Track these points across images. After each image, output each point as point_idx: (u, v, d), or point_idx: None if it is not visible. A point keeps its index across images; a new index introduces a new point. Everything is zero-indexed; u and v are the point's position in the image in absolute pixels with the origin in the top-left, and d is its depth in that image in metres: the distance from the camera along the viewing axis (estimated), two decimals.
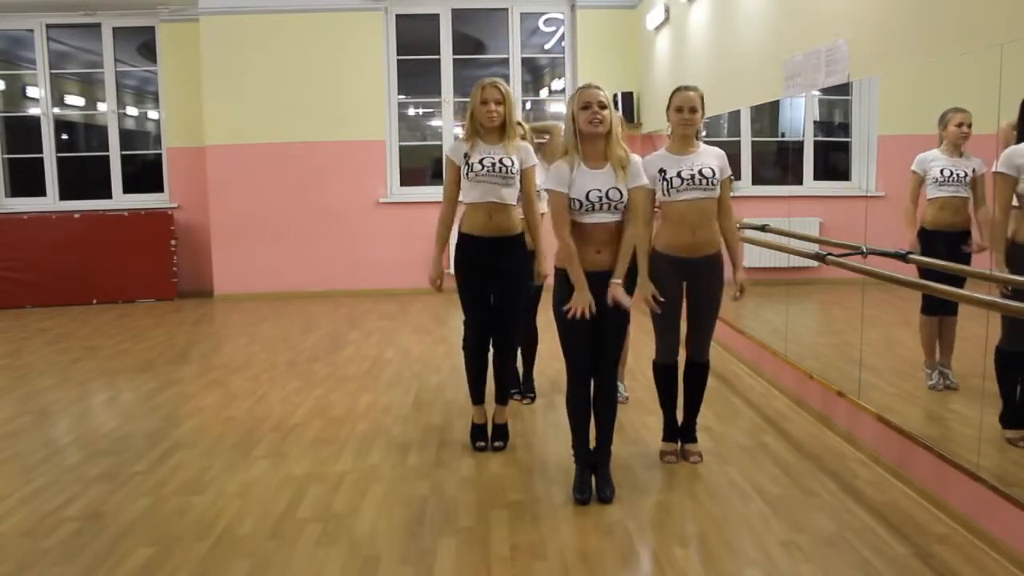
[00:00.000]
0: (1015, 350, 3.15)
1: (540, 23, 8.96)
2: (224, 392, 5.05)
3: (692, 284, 3.60)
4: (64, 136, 9.27)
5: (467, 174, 3.68)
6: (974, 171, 3.77)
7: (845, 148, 4.98)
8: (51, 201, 8.77)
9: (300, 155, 8.44)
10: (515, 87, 8.66)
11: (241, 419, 4.47)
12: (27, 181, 8.81)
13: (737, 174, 5.81)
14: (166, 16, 8.51)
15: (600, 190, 3.16)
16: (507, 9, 8.65)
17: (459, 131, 8.00)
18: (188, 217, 8.68)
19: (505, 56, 8.74)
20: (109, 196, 8.81)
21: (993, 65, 2.81)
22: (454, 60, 8.64)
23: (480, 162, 3.65)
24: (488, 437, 3.94)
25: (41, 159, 8.77)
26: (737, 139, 6.24)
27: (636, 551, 2.93)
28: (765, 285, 5.49)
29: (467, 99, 3.80)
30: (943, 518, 3.08)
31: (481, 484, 3.52)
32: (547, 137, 4.48)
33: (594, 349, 3.29)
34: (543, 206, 3.99)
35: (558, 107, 9.63)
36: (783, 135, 5.93)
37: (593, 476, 3.36)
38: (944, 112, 3.81)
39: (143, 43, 9.14)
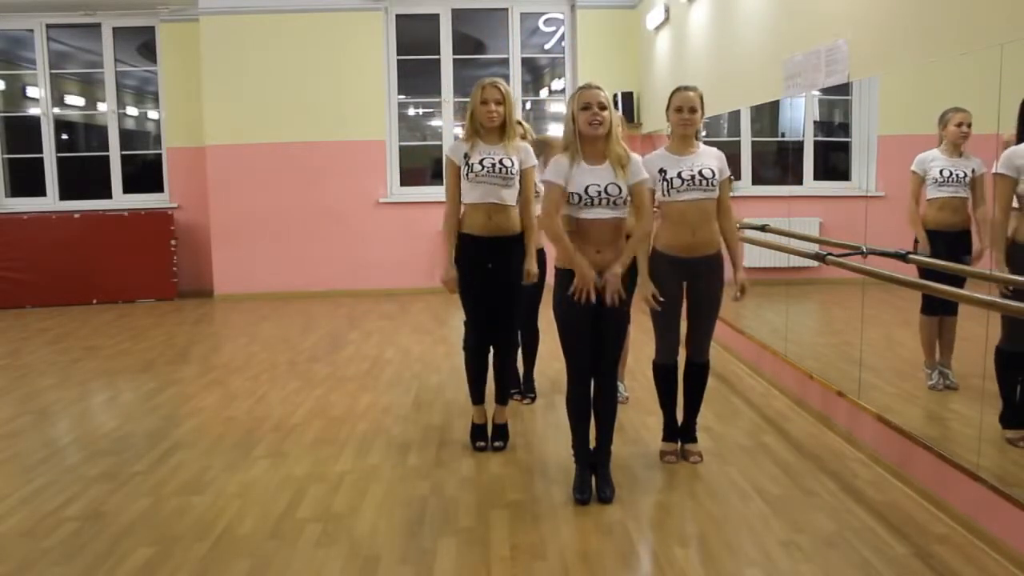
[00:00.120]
0: (1015, 350, 3.15)
1: (540, 23, 8.96)
2: (224, 392, 5.05)
3: (692, 284, 3.60)
4: (64, 136, 9.27)
5: (467, 175, 3.68)
6: (973, 171, 3.77)
7: (845, 148, 4.98)
8: (51, 201, 8.77)
9: (300, 155, 8.44)
10: (515, 87, 8.66)
11: (241, 419, 4.47)
12: (27, 181, 8.82)
13: (737, 174, 5.81)
14: (166, 16, 8.51)
15: (599, 185, 3.16)
16: (507, 9, 8.65)
17: (459, 131, 8.00)
18: (188, 217, 8.69)
19: (505, 56, 8.74)
20: (109, 196, 8.81)
21: (993, 65, 2.81)
22: (454, 60, 8.64)
23: (480, 162, 3.65)
24: (488, 437, 3.94)
25: (41, 159, 8.77)
26: (737, 139, 6.24)
27: (636, 551, 2.93)
28: (765, 285, 5.49)
29: (467, 99, 3.79)
30: (943, 518, 3.08)
31: (481, 484, 3.52)
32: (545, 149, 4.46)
33: (594, 349, 3.29)
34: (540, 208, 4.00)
35: (558, 107, 9.63)
36: (783, 135, 5.93)
37: (593, 476, 3.36)
38: (944, 112, 3.80)
39: (143, 43, 9.14)
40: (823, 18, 4.23)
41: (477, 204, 3.71)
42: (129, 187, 8.89)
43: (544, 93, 10.15)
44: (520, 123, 4.20)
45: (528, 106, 9.80)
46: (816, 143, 5.29)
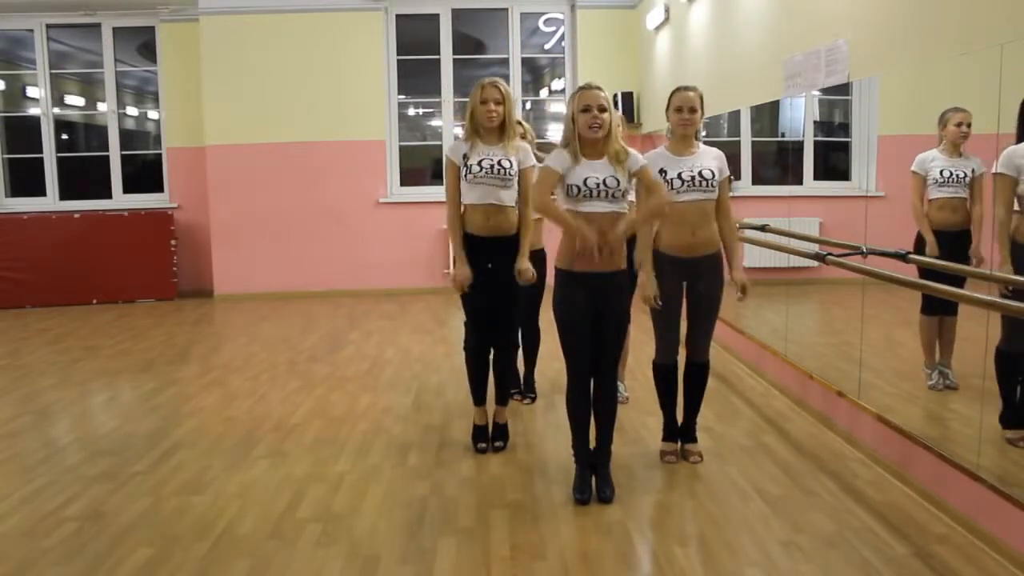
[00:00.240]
0: (1015, 351, 3.15)
1: (540, 23, 8.96)
2: (224, 392, 5.05)
3: (692, 284, 3.60)
4: (64, 136, 9.27)
5: (466, 175, 3.68)
6: (973, 171, 3.77)
7: (845, 148, 4.98)
8: (51, 201, 8.77)
9: (300, 155, 8.44)
10: (515, 87, 8.66)
11: (241, 419, 4.47)
12: (27, 181, 8.82)
13: (737, 174, 5.81)
14: (166, 16, 8.51)
15: (598, 177, 3.17)
16: (507, 9, 8.65)
17: (459, 131, 8.01)
18: (188, 217, 8.69)
19: (505, 56, 8.74)
20: (109, 196, 8.81)
21: (993, 65, 2.81)
22: (454, 60, 8.64)
23: (479, 163, 3.65)
24: (489, 438, 3.94)
25: (41, 159, 8.77)
26: (737, 139, 6.24)
27: (636, 551, 2.93)
28: (765, 285, 5.49)
29: (467, 99, 3.79)
30: (943, 518, 3.08)
31: (481, 484, 3.52)
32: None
33: (594, 349, 3.29)
34: (534, 212, 4.00)
35: (558, 107, 9.63)
36: (783, 135, 5.93)
37: (593, 476, 3.36)
38: (944, 112, 3.81)
39: (143, 43, 9.14)
40: (823, 18, 4.23)
41: (476, 205, 3.71)
42: (129, 187, 8.89)
43: (544, 93, 10.15)
44: (520, 123, 4.20)
45: (528, 106, 9.80)
46: (816, 143, 5.29)
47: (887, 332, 4.53)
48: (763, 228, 4.88)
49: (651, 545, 2.99)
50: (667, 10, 7.18)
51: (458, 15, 8.63)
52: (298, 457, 3.87)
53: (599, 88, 3.20)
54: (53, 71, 8.81)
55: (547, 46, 9.33)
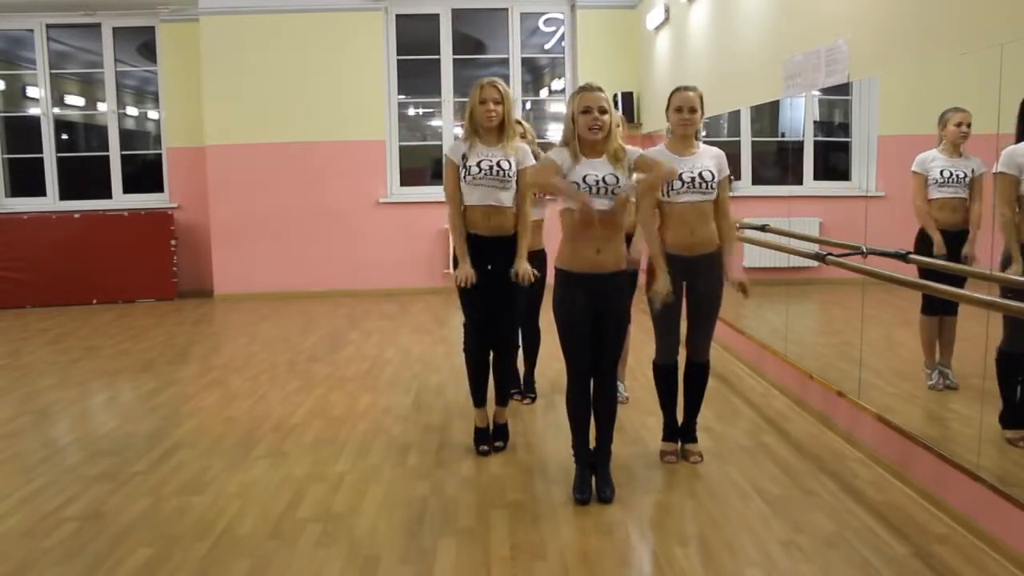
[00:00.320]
0: (1017, 351, 3.15)
1: (540, 23, 8.96)
2: (224, 392, 5.05)
3: (692, 284, 3.60)
4: (64, 136, 9.27)
5: (465, 177, 3.68)
6: (973, 171, 3.77)
7: (845, 148, 4.98)
8: (51, 201, 8.77)
9: (300, 155, 8.44)
10: (515, 87, 8.66)
11: (241, 419, 4.47)
12: (27, 181, 8.82)
13: (737, 174, 5.81)
14: (166, 16, 8.51)
15: (597, 175, 3.17)
16: (507, 9, 8.65)
17: (459, 131, 8.00)
18: (188, 217, 8.68)
19: (505, 56, 8.74)
20: (109, 196, 8.81)
21: (993, 65, 2.81)
22: (454, 60, 8.64)
23: (478, 164, 3.65)
24: (490, 440, 3.93)
25: (41, 159, 8.77)
26: (737, 139, 6.24)
27: (636, 551, 2.94)
28: (765, 285, 5.49)
29: (467, 99, 3.79)
30: (943, 518, 3.08)
31: (481, 484, 3.52)
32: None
33: (594, 349, 3.29)
34: (533, 213, 4.01)
35: (558, 107, 9.63)
36: (783, 135, 5.93)
37: (593, 476, 3.36)
38: (944, 112, 3.80)
39: (143, 43, 9.14)
40: (823, 18, 4.23)
41: (476, 206, 3.71)
42: (129, 187, 8.89)
43: (544, 93, 10.15)
44: (520, 122, 4.20)
45: (528, 106, 9.80)
46: (816, 143, 5.29)
47: (887, 332, 4.53)
48: (763, 228, 4.88)
49: (651, 545, 2.99)
50: (667, 10, 7.18)
51: (458, 15, 8.62)
52: (298, 457, 3.87)
53: (600, 89, 3.20)
54: (53, 71, 8.81)
55: (547, 46, 9.33)
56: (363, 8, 8.40)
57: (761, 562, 2.79)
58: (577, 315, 3.23)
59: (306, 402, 4.77)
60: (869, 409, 3.74)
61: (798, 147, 5.32)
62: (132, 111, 9.73)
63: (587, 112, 3.16)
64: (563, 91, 9.03)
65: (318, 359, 5.83)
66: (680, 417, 3.79)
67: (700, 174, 3.50)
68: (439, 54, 8.61)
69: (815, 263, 4.00)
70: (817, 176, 5.28)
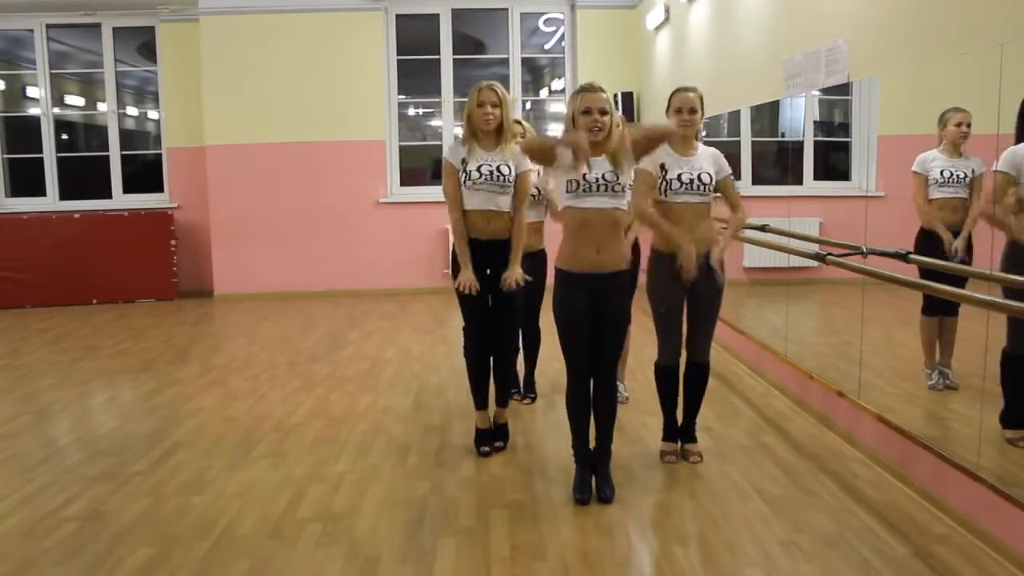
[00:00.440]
0: (1021, 353, 3.14)
1: (540, 23, 8.96)
2: (224, 392, 5.05)
3: (692, 284, 3.59)
4: (64, 136, 9.27)
5: (465, 182, 3.68)
6: (973, 171, 3.76)
7: (845, 148, 4.97)
8: (51, 201, 8.77)
9: (300, 155, 8.44)
10: (515, 87, 8.67)
11: (241, 419, 4.47)
12: (27, 181, 8.82)
13: (737, 174, 5.75)
14: (166, 16, 8.51)
15: (597, 172, 3.16)
16: (507, 9, 8.65)
17: (459, 131, 8.00)
18: (188, 217, 8.69)
19: (505, 56, 8.74)
20: (109, 196, 8.81)
21: (993, 65, 2.81)
22: (454, 60, 8.64)
23: (478, 169, 3.65)
24: (491, 441, 3.93)
25: (41, 159, 8.77)
26: (737, 139, 6.24)
27: (636, 551, 2.94)
28: (765, 285, 5.49)
29: (467, 99, 3.79)
30: (943, 518, 3.08)
31: (481, 484, 3.52)
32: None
33: (594, 349, 3.28)
34: (532, 214, 4.01)
35: (558, 107, 9.63)
36: (783, 135, 5.93)
37: (593, 476, 3.36)
38: (944, 112, 3.80)
39: (143, 43, 9.14)
40: (823, 18, 4.23)
41: (475, 211, 3.70)
42: (129, 187, 8.89)
43: (544, 93, 10.15)
44: (520, 122, 4.20)
45: (528, 106, 9.80)
46: (816, 143, 5.28)
47: (887, 332, 4.53)
48: (763, 228, 4.88)
49: (651, 545, 2.99)
50: (667, 10, 7.18)
51: (458, 15, 8.63)
52: (298, 457, 3.87)
53: (600, 90, 3.19)
54: (53, 71, 8.81)
55: (547, 46, 9.33)
56: (363, 8, 8.40)
57: (761, 562, 2.80)
58: (577, 315, 3.23)
59: (306, 402, 4.77)
60: (869, 409, 3.74)
61: (798, 147, 5.31)
62: (132, 111, 9.73)
63: (587, 113, 3.15)
64: (563, 91, 9.03)
65: (318, 359, 5.83)
66: (680, 417, 3.79)
67: (699, 176, 3.51)
68: (439, 54, 8.61)
69: (815, 263, 4.00)
70: (817, 176, 5.27)
